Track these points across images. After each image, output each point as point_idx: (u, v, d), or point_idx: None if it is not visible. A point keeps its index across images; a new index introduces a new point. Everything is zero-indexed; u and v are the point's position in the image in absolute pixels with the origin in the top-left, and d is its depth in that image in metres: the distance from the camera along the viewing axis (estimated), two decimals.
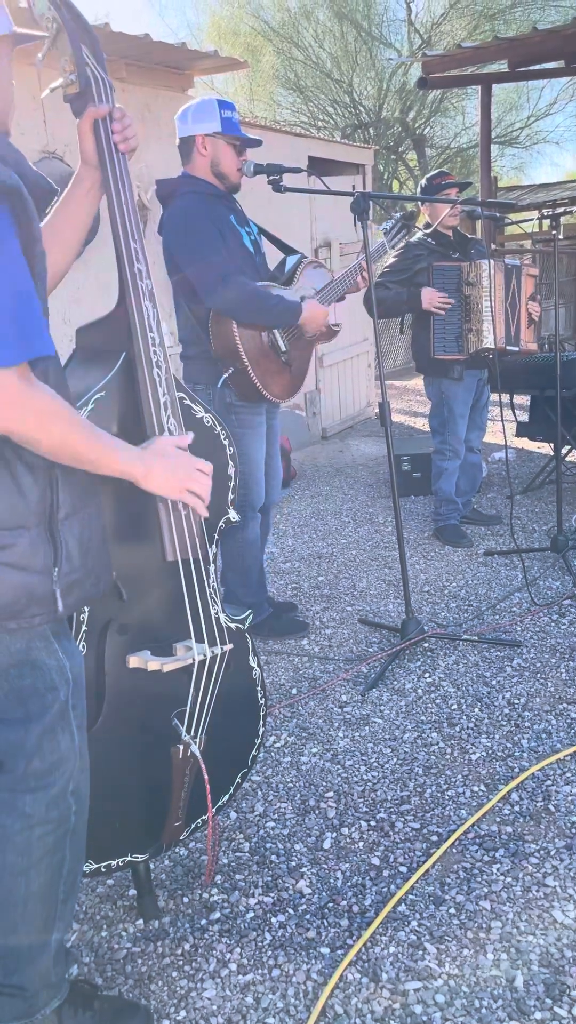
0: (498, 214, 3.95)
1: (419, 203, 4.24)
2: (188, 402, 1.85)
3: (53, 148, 4.34)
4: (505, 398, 4.79)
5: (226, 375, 2.97)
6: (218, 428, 1.92)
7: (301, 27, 17.08)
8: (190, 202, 2.93)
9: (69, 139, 4.37)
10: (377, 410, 8.17)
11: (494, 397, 4.73)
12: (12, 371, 1.29)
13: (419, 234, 4.22)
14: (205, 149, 2.96)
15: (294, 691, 3.01)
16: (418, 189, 4.42)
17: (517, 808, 2.29)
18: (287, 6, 17.08)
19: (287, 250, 3.30)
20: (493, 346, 4.01)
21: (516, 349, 4.13)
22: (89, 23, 1.72)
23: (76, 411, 1.41)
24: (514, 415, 5.35)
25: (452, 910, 1.96)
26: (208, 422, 1.90)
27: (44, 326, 1.34)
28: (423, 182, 4.26)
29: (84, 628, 1.71)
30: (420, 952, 1.84)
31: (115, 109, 1.70)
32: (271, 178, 2.99)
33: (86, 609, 1.70)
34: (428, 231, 4.20)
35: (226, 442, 1.94)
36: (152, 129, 4.98)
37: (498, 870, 2.07)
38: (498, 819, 2.26)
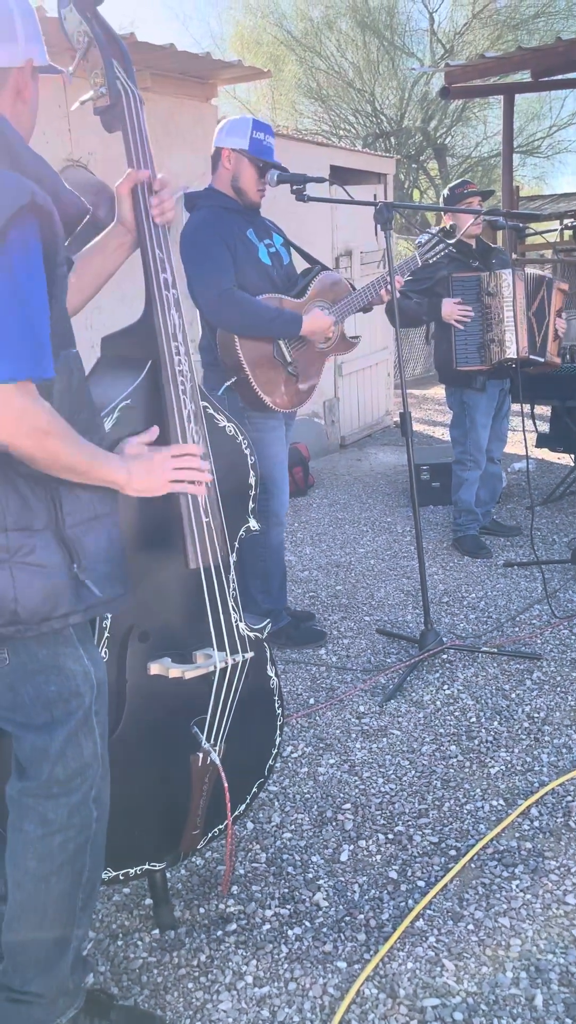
0: (521, 224, 3.94)
1: (444, 214, 4.23)
2: (211, 411, 1.85)
3: (77, 156, 4.37)
4: (526, 408, 4.76)
5: (228, 383, 3.00)
6: (240, 437, 1.92)
7: (324, 37, 17.16)
8: (204, 216, 3.01)
9: (93, 147, 4.42)
10: (396, 419, 8.15)
11: (515, 407, 4.71)
12: (15, 386, 1.31)
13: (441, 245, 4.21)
14: (229, 163, 3.03)
15: (311, 701, 3.00)
16: (440, 199, 4.41)
17: (537, 824, 2.27)
18: (310, 16, 17.17)
19: (311, 262, 3.31)
20: (516, 356, 3.99)
21: (542, 360, 4.11)
22: (120, 37, 1.73)
23: (69, 426, 1.41)
24: (535, 426, 5.33)
25: (471, 926, 1.94)
26: (230, 431, 1.90)
27: (50, 350, 1.35)
28: (445, 192, 4.25)
29: (107, 635, 1.72)
30: (438, 968, 1.82)
31: (156, 180, 1.73)
32: (295, 187, 3.00)
33: (108, 615, 1.70)
34: (452, 241, 4.18)
35: (247, 451, 1.94)
36: (175, 138, 5.01)
37: (517, 886, 2.05)
38: (517, 834, 2.23)
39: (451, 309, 4.02)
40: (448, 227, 3.60)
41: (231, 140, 3.01)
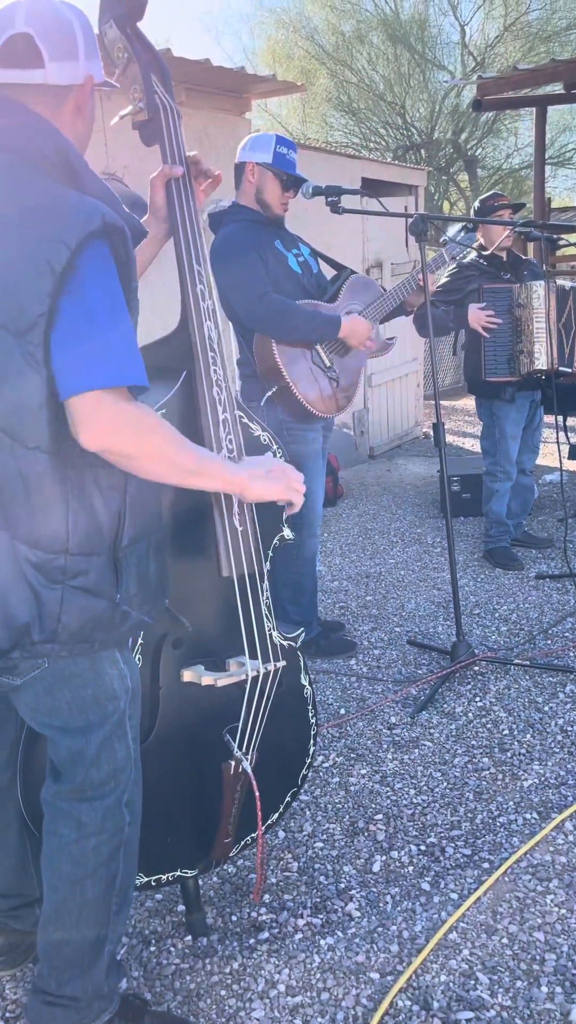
0: (555, 236, 3.93)
1: (475, 225, 4.22)
2: (246, 420, 1.87)
3: (113, 170, 4.44)
4: (559, 420, 4.74)
5: (269, 393, 3.02)
6: (274, 446, 1.93)
7: (355, 50, 17.24)
8: (233, 230, 3.04)
9: (127, 161, 4.48)
10: (425, 430, 8.13)
11: (548, 419, 4.68)
12: (113, 392, 1.34)
13: (472, 255, 4.21)
14: (253, 176, 3.06)
15: (342, 711, 2.99)
16: (471, 211, 4.40)
17: (572, 838, 2.25)
18: (341, 30, 17.27)
19: (339, 268, 3.33)
20: (546, 368, 3.97)
21: (570, 370, 4.09)
22: (158, 52, 1.76)
23: (172, 427, 1.45)
24: (567, 437, 5.28)
25: (505, 940, 1.92)
26: (265, 440, 1.92)
27: (141, 359, 1.39)
28: (476, 204, 4.25)
29: (140, 641, 1.73)
30: (472, 982, 1.81)
31: (189, 156, 1.76)
32: (329, 199, 3.02)
33: None
34: (486, 253, 4.18)
35: (281, 459, 1.95)
36: (209, 151, 5.06)
37: (552, 901, 2.03)
38: (552, 848, 2.21)
39: (477, 315, 4.01)
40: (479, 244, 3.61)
41: (255, 154, 3.05)
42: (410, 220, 3.13)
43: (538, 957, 1.87)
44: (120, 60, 1.73)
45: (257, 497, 1.59)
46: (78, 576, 1.41)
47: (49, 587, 1.40)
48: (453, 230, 3.60)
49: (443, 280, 4.19)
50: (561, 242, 4.17)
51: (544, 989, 1.78)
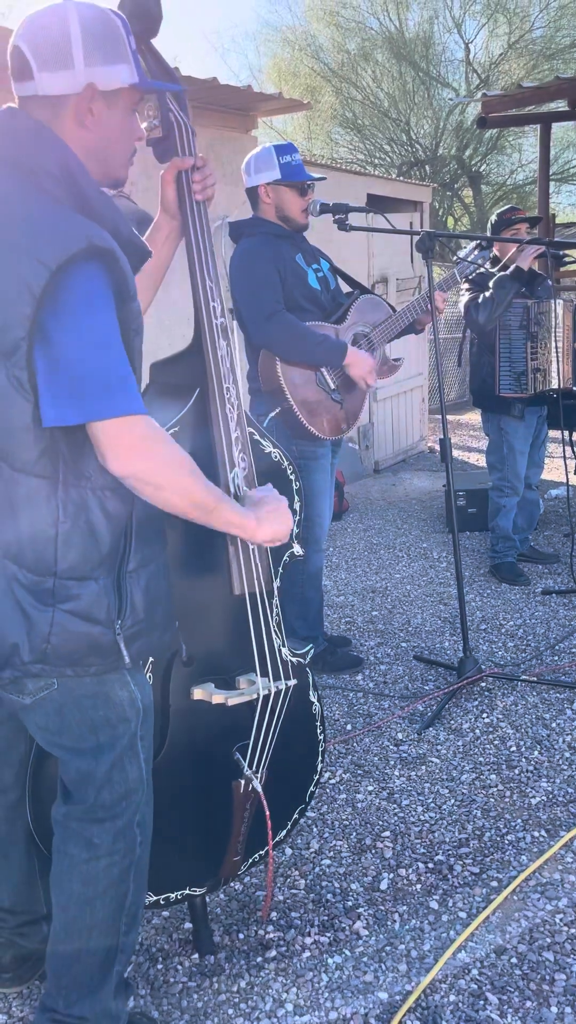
0: (561, 253, 3.94)
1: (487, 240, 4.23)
2: (257, 437, 1.87)
3: (122, 187, 4.47)
4: (565, 435, 4.75)
5: (273, 414, 3.02)
6: (285, 463, 1.94)
7: (360, 68, 17.37)
8: (253, 244, 3.04)
9: (135, 177, 4.51)
10: (430, 444, 8.14)
11: (554, 434, 4.69)
12: (140, 418, 1.35)
13: (488, 266, 4.21)
14: (268, 197, 3.06)
15: (349, 727, 2.99)
16: (487, 226, 4.41)
17: None
18: (346, 48, 17.40)
19: (355, 286, 3.34)
20: (559, 386, 3.98)
21: None
22: (172, 70, 1.78)
23: (191, 459, 1.44)
24: (574, 452, 5.29)
25: (514, 959, 1.91)
26: (276, 457, 1.92)
27: (134, 385, 1.38)
28: (493, 218, 4.25)
29: (151, 659, 1.73)
30: (481, 1002, 1.80)
31: (197, 158, 1.75)
32: (336, 217, 3.04)
33: None
34: (505, 270, 4.18)
35: (292, 476, 1.96)
36: (216, 168, 5.07)
37: (561, 920, 2.02)
38: (560, 867, 2.20)
39: (527, 254, 3.93)
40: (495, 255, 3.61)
41: (262, 176, 3.03)
42: (416, 237, 3.14)
43: (548, 977, 1.86)
44: None
45: (264, 541, 1.58)
46: (68, 601, 1.40)
47: (40, 609, 1.39)
48: (465, 250, 3.60)
49: (465, 284, 4.16)
50: (567, 258, 4.18)
51: (554, 1009, 1.77)
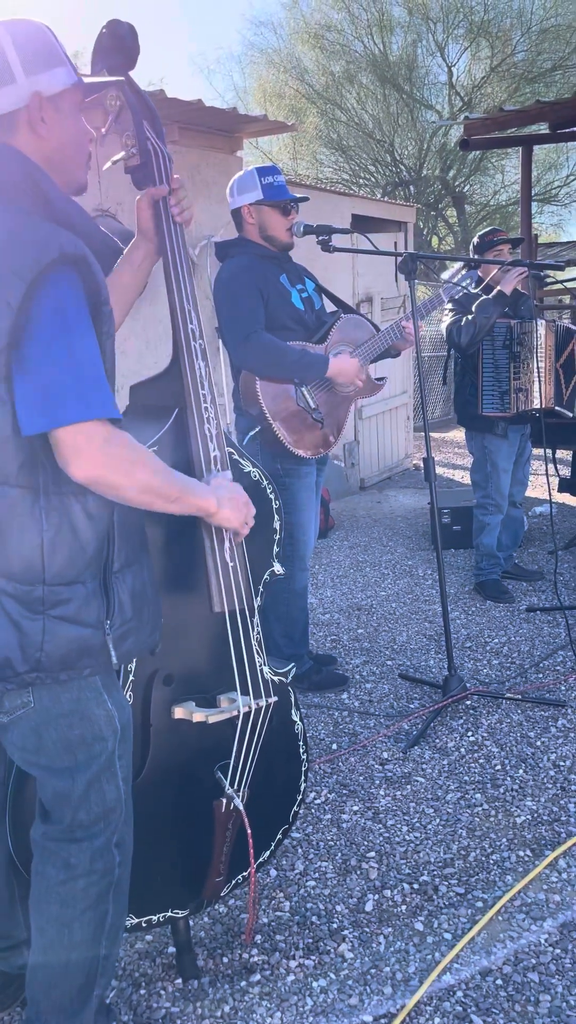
0: (542, 273, 3.98)
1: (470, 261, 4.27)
2: (236, 456, 1.88)
3: (107, 207, 4.50)
4: (548, 453, 4.79)
5: (253, 432, 3.02)
6: (264, 482, 1.94)
7: (344, 90, 17.57)
8: (239, 263, 3.06)
9: (121, 198, 4.54)
10: (415, 462, 8.17)
11: (538, 452, 4.72)
12: (101, 423, 1.35)
13: (473, 287, 4.25)
14: (252, 217, 3.08)
15: (334, 746, 2.97)
16: (470, 248, 4.46)
17: (565, 876, 2.23)
18: (331, 70, 17.60)
19: (340, 306, 3.35)
20: (541, 406, 4.01)
21: (570, 414, 4.13)
22: (151, 100, 1.80)
23: (153, 454, 1.47)
24: (556, 470, 5.33)
25: (499, 981, 1.90)
26: (255, 476, 1.93)
27: (108, 389, 1.40)
28: (475, 240, 4.30)
29: (131, 678, 1.72)
30: None
31: (173, 180, 1.77)
32: (320, 238, 3.06)
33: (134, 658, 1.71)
34: (487, 291, 4.22)
35: (272, 496, 1.96)
36: (201, 189, 5.14)
37: (546, 941, 2.01)
38: (545, 887, 2.19)
39: (512, 276, 3.95)
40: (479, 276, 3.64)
41: (244, 197, 3.06)
42: (399, 259, 3.16)
43: (532, 998, 1.84)
44: (113, 107, 1.77)
45: (220, 523, 1.63)
46: (58, 606, 1.41)
47: (31, 618, 1.40)
48: (450, 272, 3.62)
49: (449, 305, 4.18)
50: (548, 279, 4.23)
51: None
